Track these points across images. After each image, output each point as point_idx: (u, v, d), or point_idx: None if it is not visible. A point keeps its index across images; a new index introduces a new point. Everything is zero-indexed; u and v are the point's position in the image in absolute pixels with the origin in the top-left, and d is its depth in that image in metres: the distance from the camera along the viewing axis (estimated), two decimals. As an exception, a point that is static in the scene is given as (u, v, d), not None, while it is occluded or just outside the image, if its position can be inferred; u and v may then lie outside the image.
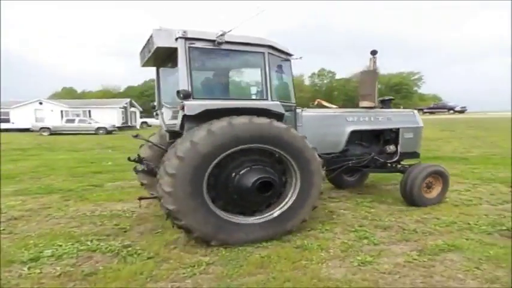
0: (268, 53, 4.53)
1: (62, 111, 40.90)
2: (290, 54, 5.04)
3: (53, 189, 7.43)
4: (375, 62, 6.20)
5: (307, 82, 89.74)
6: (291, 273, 3.42)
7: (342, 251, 3.97)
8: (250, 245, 4.14)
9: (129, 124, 45.49)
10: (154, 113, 5.79)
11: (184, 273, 3.47)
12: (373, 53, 6.18)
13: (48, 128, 33.43)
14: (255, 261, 3.69)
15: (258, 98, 4.81)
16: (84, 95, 78.06)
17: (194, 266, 3.62)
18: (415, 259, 3.69)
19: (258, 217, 4.31)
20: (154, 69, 5.41)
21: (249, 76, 5.27)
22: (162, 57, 4.78)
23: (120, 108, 44.09)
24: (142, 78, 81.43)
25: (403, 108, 7.22)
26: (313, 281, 3.27)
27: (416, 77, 79.19)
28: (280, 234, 4.31)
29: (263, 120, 4.10)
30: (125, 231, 4.77)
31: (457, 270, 3.43)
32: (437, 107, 54.66)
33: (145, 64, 5.13)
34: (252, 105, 4.40)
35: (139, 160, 5.41)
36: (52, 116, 38.97)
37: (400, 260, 3.68)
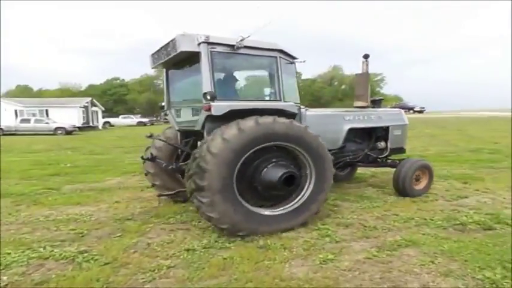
0: (280, 57, 4.90)
1: (16, 111, 38.70)
2: (295, 58, 5.39)
3: (4, 194, 6.97)
4: (367, 65, 6.61)
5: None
6: (254, 274, 3.39)
7: (304, 249, 4.00)
8: (213, 247, 4.09)
9: (91, 124, 43.80)
10: (163, 113, 6.01)
11: (143, 279, 3.35)
12: (366, 56, 6.56)
13: (0, 128, 31.54)
14: (217, 263, 3.63)
15: (271, 99, 5.10)
16: (40, 94, 74.28)
17: (154, 270, 3.51)
18: (374, 255, 3.77)
19: (279, 209, 4.61)
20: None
21: (263, 79, 5.52)
22: (175, 60, 5.03)
23: (81, 107, 42.35)
24: (104, 77, 78.74)
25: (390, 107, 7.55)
26: (275, 281, 3.25)
27: (378, 78, 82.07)
28: (295, 226, 4.62)
29: (285, 120, 4.47)
30: (82, 236, 4.56)
31: (413, 264, 3.55)
32: (399, 107, 56.75)
33: (157, 66, 5.42)
34: (271, 106, 4.77)
35: (153, 159, 5.53)
36: (5, 115, 36.67)
37: (360, 257, 3.76)
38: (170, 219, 5.21)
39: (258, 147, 4.28)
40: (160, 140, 5.66)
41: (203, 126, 4.61)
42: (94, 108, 47.19)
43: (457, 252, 3.78)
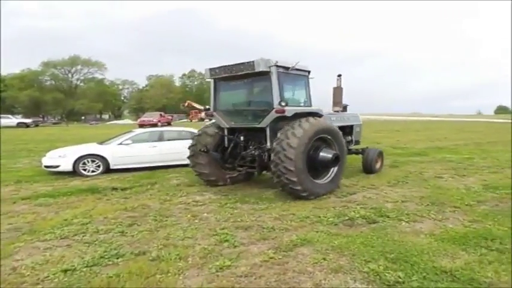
0: (308, 75, 7.11)
1: None
2: (309, 72, 7.22)
3: None
4: (340, 81, 8.84)
5: (177, 83, 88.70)
6: (142, 292, 3.06)
7: (201, 257, 3.79)
8: (97, 264, 3.63)
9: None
10: (209, 114, 7.48)
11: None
12: (339, 75, 8.85)
13: None
14: (100, 284, 3.19)
15: (306, 105, 7.16)
16: None
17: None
18: (271, 257, 3.75)
19: (323, 179, 6.74)
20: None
21: (298, 91, 7.29)
22: (235, 76, 6.73)
23: None
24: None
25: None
26: (166, 297, 2.98)
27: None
28: (334, 189, 6.82)
29: (323, 119, 6.97)
30: None
31: (307, 263, 3.61)
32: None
33: (216, 78, 7.13)
34: (310, 110, 6.93)
35: (207, 150, 7.13)
36: None
37: (258, 260, 3.70)
38: (47, 235, 4.51)
39: (314, 138, 6.32)
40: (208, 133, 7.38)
41: (267, 124, 6.51)
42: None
43: (346, 247, 3.98)
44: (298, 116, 6.42)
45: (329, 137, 6.77)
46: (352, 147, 9.34)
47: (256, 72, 6.32)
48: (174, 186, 7.80)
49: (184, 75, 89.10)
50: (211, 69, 7.01)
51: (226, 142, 7.35)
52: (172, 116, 49.47)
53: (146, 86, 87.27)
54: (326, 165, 6.60)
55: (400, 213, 5.24)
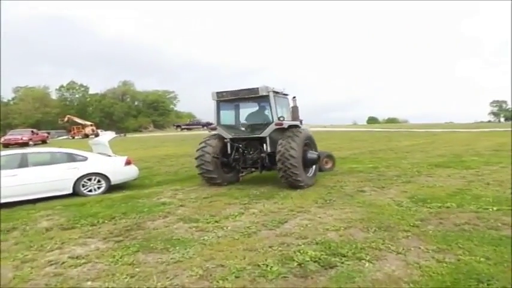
0: (288, 97, 9.52)
1: None
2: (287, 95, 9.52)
3: None
4: (295, 101, 9.84)
5: (54, 96, 78.08)
6: None
7: None
8: None
9: None
10: (213, 128, 9.23)
11: None
12: (294, 97, 9.78)
13: None
14: None
15: (287, 120, 9.00)
16: None
17: None
18: None
19: (309, 173, 8.69)
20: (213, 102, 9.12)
21: (284, 109, 9.18)
22: (236, 99, 9.02)
23: None
24: None
25: None
26: None
27: (171, 95, 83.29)
28: (315, 182, 8.71)
29: (307, 128, 9.62)
30: None
31: None
32: (193, 123, 58.81)
33: (222, 100, 9.00)
34: (294, 123, 9.03)
35: (216, 157, 8.75)
36: None
37: None
38: None
39: (304, 144, 8.31)
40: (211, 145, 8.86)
41: (268, 134, 8.51)
42: None
43: None
44: (290, 127, 8.58)
45: (310, 142, 8.94)
46: None
47: (258, 96, 8.45)
48: (43, 231, 5.57)
49: (62, 87, 78.85)
50: (218, 93, 8.87)
51: (229, 149, 8.94)
52: (49, 133, 42.69)
53: (13, 98, 74.48)
54: (312, 163, 8.74)
55: (354, 248, 4.22)
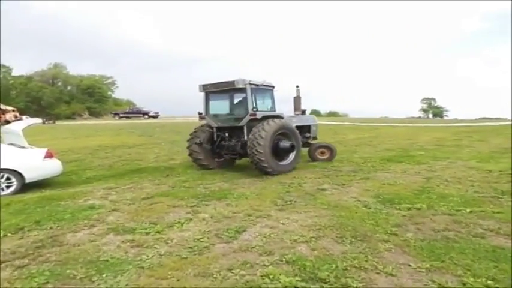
0: (273, 89, 9.95)
1: None
2: (273, 87, 10.03)
3: None
4: (298, 91, 11.28)
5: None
6: None
7: None
8: None
9: None
10: (202, 118, 9.99)
11: None
12: (297, 86, 11.26)
13: None
14: None
15: (271, 110, 9.79)
16: None
17: None
18: None
19: (285, 162, 9.26)
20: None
21: (266, 100, 9.91)
22: (221, 90, 9.65)
23: None
24: None
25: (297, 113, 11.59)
26: None
27: (109, 81, 77.74)
28: (292, 169, 9.33)
29: (283, 119, 9.61)
30: None
31: None
32: (132, 111, 55.22)
33: (207, 91, 9.73)
34: (275, 114, 9.63)
35: (201, 144, 9.60)
36: None
37: None
38: None
39: (277, 133, 8.87)
40: (200, 133, 9.89)
41: (245, 124, 9.16)
42: None
43: None
44: (265, 118, 9.01)
45: (288, 132, 9.33)
46: (311, 141, 11.68)
47: (236, 88, 8.97)
48: None
49: (-22, 67, 69.67)
50: (203, 85, 9.55)
51: (215, 137, 9.77)
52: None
53: None
54: (286, 151, 9.21)
55: (334, 269, 3.38)
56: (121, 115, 53.18)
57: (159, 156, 13.11)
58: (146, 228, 4.73)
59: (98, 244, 4.20)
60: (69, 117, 60.62)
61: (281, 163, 9.12)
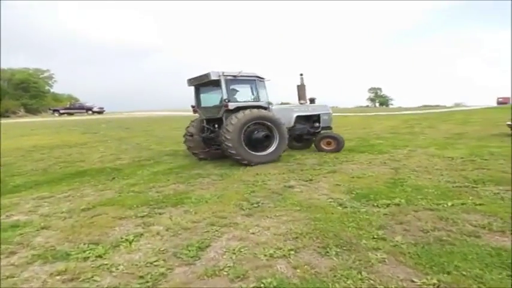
0: (256, 78, 9.72)
1: None
2: (263, 78, 9.99)
3: None
4: (302, 79, 11.12)
5: None
6: None
7: None
8: None
9: None
10: (194, 110, 10.36)
11: None
12: (301, 74, 11.07)
13: None
14: None
15: (254, 100, 9.72)
16: None
17: None
18: None
19: (263, 153, 9.16)
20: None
21: (247, 91, 9.92)
22: (205, 83, 9.69)
23: None
24: None
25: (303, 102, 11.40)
26: None
27: (45, 75, 71.68)
28: (273, 160, 9.17)
29: (263, 110, 9.43)
30: None
31: None
32: (74, 107, 51.33)
33: (192, 85, 10.06)
34: (256, 104, 9.51)
35: (191, 135, 10.04)
36: None
37: None
38: None
39: (250, 123, 8.94)
40: (193, 125, 10.26)
41: (223, 115, 9.15)
42: None
43: None
44: (241, 108, 9.06)
45: (268, 123, 9.28)
46: (320, 132, 11.36)
47: (213, 80, 9.06)
48: None
49: None
50: (188, 80, 10.02)
51: (205, 129, 10.11)
52: None
53: None
54: (259, 141, 9.14)
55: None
56: (61, 111, 49.23)
57: (104, 155, 11.78)
58: (84, 251, 3.78)
59: (16, 281, 3.19)
60: (1, 115, 55.08)
61: (259, 153, 9.05)
